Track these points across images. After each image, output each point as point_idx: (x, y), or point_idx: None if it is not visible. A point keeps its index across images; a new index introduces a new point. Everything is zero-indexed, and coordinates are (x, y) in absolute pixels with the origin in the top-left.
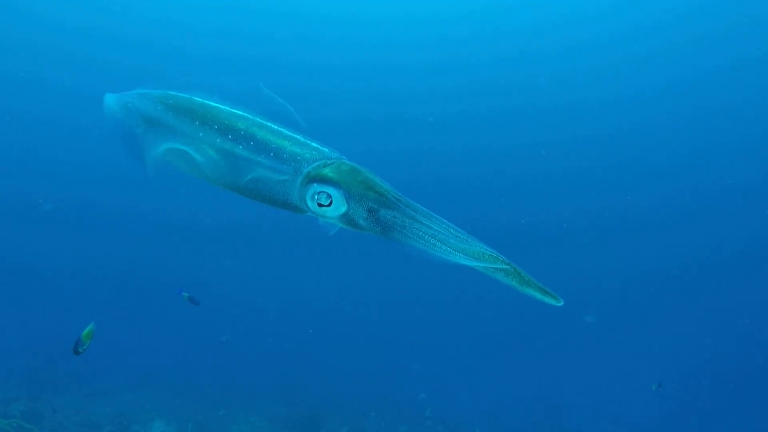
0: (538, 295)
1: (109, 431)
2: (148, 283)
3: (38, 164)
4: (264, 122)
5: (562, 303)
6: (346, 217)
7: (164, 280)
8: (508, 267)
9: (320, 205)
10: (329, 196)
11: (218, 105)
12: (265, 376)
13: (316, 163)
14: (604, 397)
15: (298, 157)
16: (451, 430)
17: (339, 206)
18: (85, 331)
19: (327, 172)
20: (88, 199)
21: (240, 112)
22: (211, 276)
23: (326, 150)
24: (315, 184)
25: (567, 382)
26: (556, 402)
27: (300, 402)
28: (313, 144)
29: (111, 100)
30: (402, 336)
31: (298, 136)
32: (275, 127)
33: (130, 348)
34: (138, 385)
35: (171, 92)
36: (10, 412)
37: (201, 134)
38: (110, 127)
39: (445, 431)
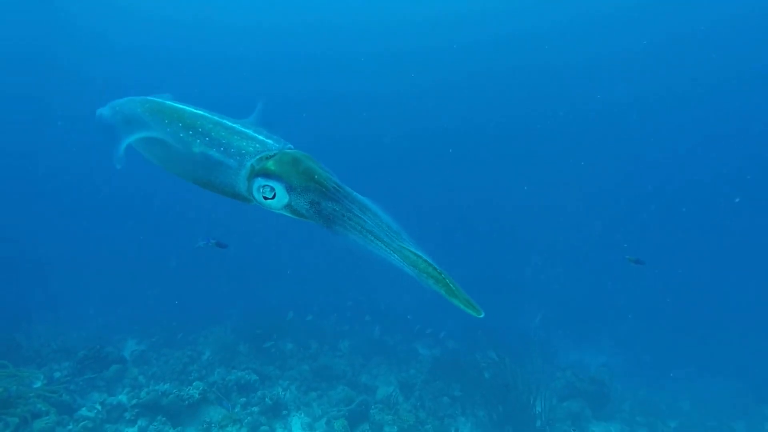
0: (462, 306)
1: (84, 354)
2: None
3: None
4: (221, 120)
5: (482, 315)
6: (289, 208)
7: (135, 202)
8: (438, 276)
9: (265, 198)
10: (273, 189)
11: (184, 106)
12: (228, 291)
13: (258, 156)
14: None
15: (243, 151)
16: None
17: (282, 198)
18: None
19: (269, 165)
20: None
21: (201, 112)
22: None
23: (271, 141)
24: (259, 178)
25: None
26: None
27: (261, 314)
28: (260, 137)
29: (104, 108)
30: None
31: (248, 131)
32: (229, 123)
33: (99, 274)
34: (108, 309)
35: (149, 97)
36: None
37: (168, 129)
38: (99, 124)
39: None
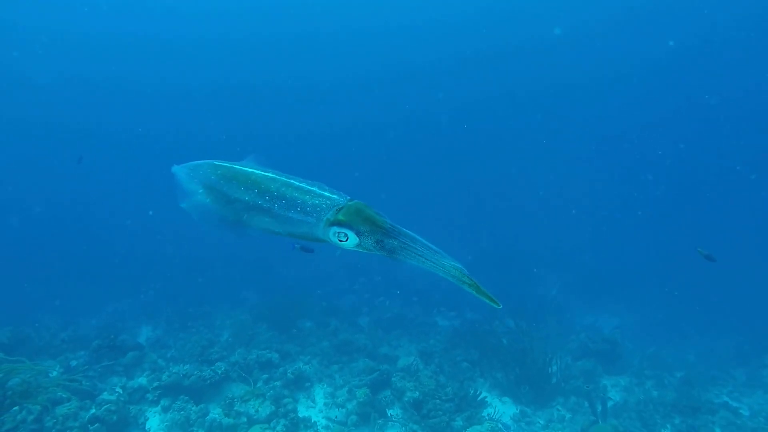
0: (486, 300)
1: (99, 344)
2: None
3: None
4: (288, 180)
5: (500, 306)
6: (360, 246)
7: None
8: (470, 281)
9: (340, 240)
10: (346, 234)
11: (253, 170)
12: (243, 273)
13: (332, 211)
14: None
15: (318, 209)
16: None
17: (353, 240)
18: None
19: (341, 217)
20: None
21: (270, 174)
22: None
23: (336, 197)
24: (334, 227)
25: None
26: None
27: (277, 292)
28: (326, 193)
29: (178, 168)
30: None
31: (314, 189)
32: (297, 183)
33: (108, 261)
34: (120, 295)
35: (217, 162)
36: None
37: (246, 197)
38: (178, 192)
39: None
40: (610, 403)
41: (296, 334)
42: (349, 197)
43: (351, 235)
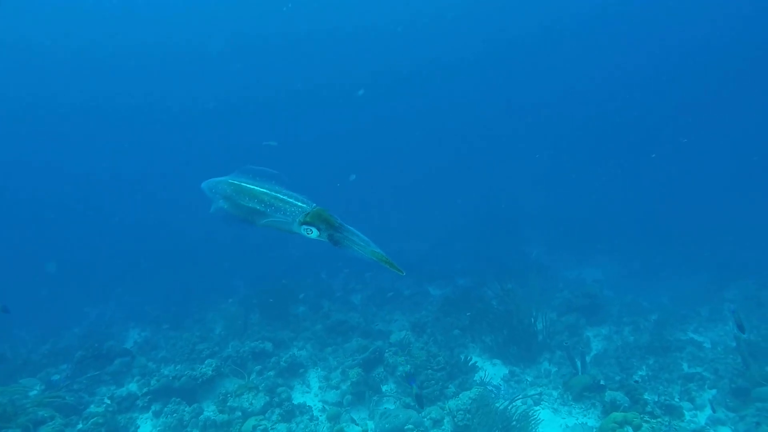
0: (396, 271)
1: (82, 355)
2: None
3: None
4: (276, 194)
5: (404, 273)
6: (320, 237)
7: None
8: (385, 259)
9: (308, 233)
10: (311, 229)
11: (254, 186)
12: (230, 266)
13: (302, 214)
14: None
15: (295, 212)
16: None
17: (315, 233)
18: None
19: (307, 219)
20: None
21: (264, 189)
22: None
23: (305, 205)
24: (304, 226)
25: None
26: None
27: (269, 279)
28: (299, 203)
29: (205, 184)
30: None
31: (291, 199)
32: (281, 195)
33: (84, 264)
34: (104, 298)
35: (230, 180)
36: None
37: (250, 204)
38: (205, 196)
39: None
40: (592, 353)
41: (290, 320)
42: (314, 204)
43: (314, 230)
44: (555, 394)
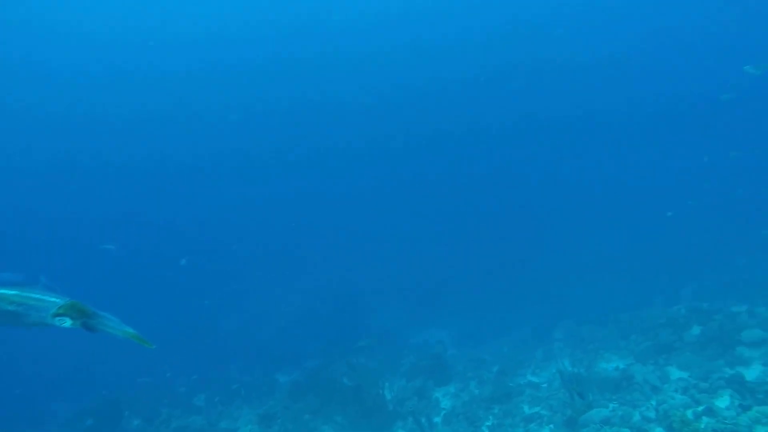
0: (145, 345)
1: None
2: None
3: None
4: (30, 294)
5: (154, 347)
6: (74, 325)
7: None
8: (134, 335)
9: (62, 323)
10: (64, 320)
11: (8, 291)
12: (53, 380)
13: (54, 309)
14: None
15: (47, 308)
16: None
17: (69, 323)
18: None
19: (60, 311)
20: None
21: (16, 292)
22: None
23: (58, 300)
24: (57, 318)
25: None
26: None
27: (96, 395)
28: (52, 299)
29: None
30: None
31: (44, 297)
32: (35, 295)
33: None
34: None
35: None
36: None
37: (10, 308)
38: None
39: None
40: (442, 413)
41: None
42: (69, 298)
43: (67, 320)
44: None
